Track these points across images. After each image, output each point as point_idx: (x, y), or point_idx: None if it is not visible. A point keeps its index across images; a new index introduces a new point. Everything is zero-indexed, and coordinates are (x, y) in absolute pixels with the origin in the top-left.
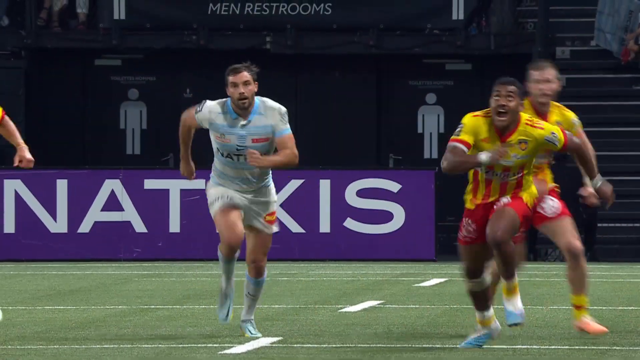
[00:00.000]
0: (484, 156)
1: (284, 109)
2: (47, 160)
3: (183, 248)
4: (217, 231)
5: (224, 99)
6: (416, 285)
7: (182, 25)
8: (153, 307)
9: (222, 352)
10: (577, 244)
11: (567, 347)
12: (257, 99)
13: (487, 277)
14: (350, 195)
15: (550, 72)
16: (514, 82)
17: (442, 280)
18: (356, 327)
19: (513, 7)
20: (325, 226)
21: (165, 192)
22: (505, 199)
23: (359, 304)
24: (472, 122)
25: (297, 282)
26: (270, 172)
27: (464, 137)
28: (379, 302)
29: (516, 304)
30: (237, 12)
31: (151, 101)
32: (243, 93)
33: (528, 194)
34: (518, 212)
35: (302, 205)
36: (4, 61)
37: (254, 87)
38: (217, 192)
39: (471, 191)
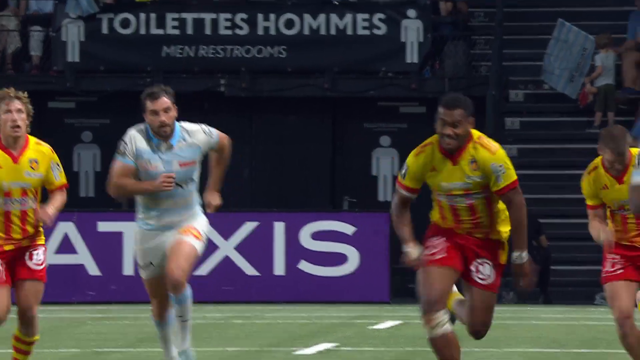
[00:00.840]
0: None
1: (202, 125)
2: None
3: (137, 291)
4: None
5: (142, 125)
6: (370, 327)
7: (136, 68)
8: (107, 350)
9: None
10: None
11: None
12: (176, 123)
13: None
14: (305, 237)
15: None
16: (459, 103)
17: (397, 322)
18: None
19: (467, 51)
20: (280, 268)
21: (118, 235)
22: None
23: (314, 346)
24: (415, 164)
25: (252, 324)
26: (196, 199)
27: (408, 182)
28: (333, 344)
29: None
30: (192, 54)
31: (105, 144)
32: (164, 121)
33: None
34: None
35: (256, 248)
36: None
37: (174, 113)
38: (144, 257)
39: (440, 219)
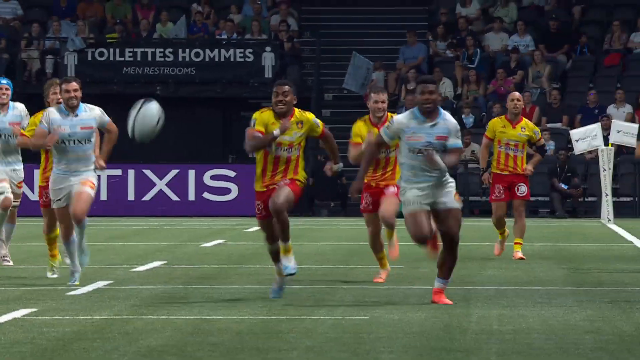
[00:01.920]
0: (275, 132)
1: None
2: None
3: None
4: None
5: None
6: (245, 230)
7: (108, 80)
8: None
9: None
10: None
11: None
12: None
13: (278, 243)
14: (207, 178)
15: None
16: (288, 82)
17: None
18: None
19: (300, 70)
20: (192, 197)
21: None
22: (284, 182)
23: (212, 242)
24: (261, 116)
25: (174, 229)
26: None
27: (258, 127)
28: (222, 240)
29: (291, 260)
30: (140, 72)
31: None
32: (73, 97)
33: (302, 177)
34: (294, 191)
35: (178, 185)
36: None
37: (79, 94)
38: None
39: (261, 175)
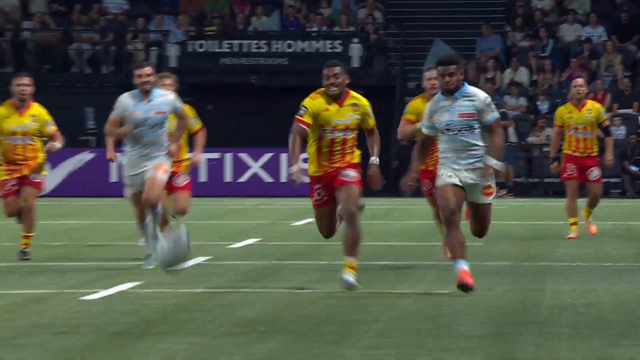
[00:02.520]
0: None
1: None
2: None
3: None
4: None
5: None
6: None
7: (206, 70)
8: None
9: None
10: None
11: None
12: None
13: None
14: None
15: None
16: (338, 63)
17: None
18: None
19: (385, 60)
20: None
21: None
22: (347, 175)
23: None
24: (312, 103)
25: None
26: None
27: (306, 119)
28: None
29: (351, 275)
30: (236, 62)
31: None
32: (146, 82)
33: (359, 158)
34: (359, 184)
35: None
36: None
37: (153, 78)
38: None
39: (315, 157)
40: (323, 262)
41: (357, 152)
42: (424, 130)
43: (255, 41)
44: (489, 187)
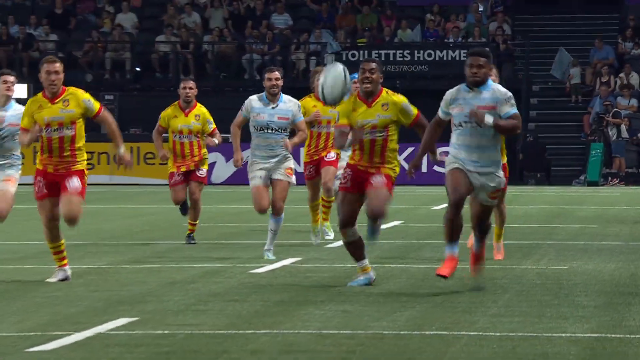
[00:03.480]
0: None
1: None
2: None
3: None
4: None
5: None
6: None
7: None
8: None
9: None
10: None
11: None
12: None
13: (357, 231)
14: None
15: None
16: (375, 60)
17: None
18: None
19: (512, 67)
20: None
21: None
22: (377, 179)
23: None
24: (342, 107)
25: None
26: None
27: (342, 121)
28: None
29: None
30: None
31: None
32: (274, 85)
33: (392, 165)
34: (390, 188)
35: None
36: None
37: (281, 82)
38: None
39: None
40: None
41: (393, 161)
42: (441, 114)
43: (400, 51)
44: (497, 191)
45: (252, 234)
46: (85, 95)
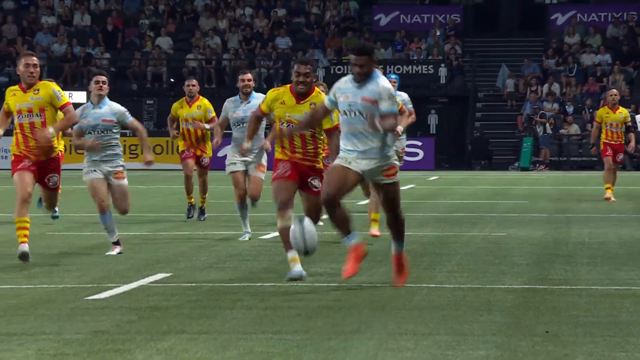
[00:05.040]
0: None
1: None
2: None
3: None
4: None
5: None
6: None
7: None
8: None
9: None
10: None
11: None
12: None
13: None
14: None
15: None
16: (309, 61)
17: None
18: None
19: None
20: None
21: None
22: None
23: None
24: (271, 94)
25: None
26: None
27: (262, 107)
28: None
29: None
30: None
31: None
32: (247, 85)
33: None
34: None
35: None
36: None
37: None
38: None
39: (279, 146)
40: (434, 213)
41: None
42: (327, 102)
43: (380, 66)
44: (391, 167)
45: (258, 209)
46: (55, 87)
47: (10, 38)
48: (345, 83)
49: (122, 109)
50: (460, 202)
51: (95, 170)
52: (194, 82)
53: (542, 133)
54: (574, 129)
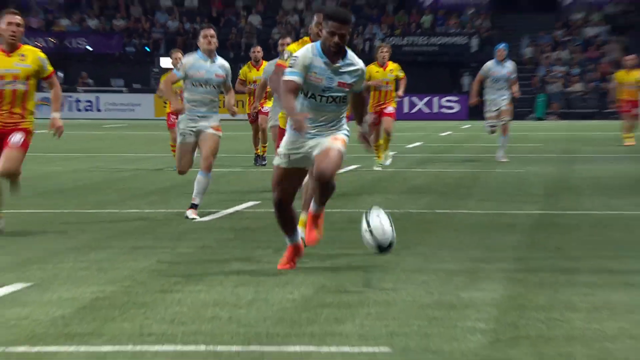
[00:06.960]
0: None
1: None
2: None
3: None
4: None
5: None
6: None
7: None
8: None
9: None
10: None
11: None
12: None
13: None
14: None
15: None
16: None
17: None
18: None
19: None
20: None
21: None
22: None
23: None
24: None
25: None
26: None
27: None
28: None
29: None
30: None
31: None
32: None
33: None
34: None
35: None
36: None
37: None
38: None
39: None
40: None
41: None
42: (296, 79)
43: (421, 37)
44: (336, 137)
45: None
46: (42, 54)
47: (137, 16)
48: (314, 59)
49: (228, 65)
50: (488, 146)
51: (191, 134)
52: (259, 48)
53: (553, 90)
54: (579, 86)
